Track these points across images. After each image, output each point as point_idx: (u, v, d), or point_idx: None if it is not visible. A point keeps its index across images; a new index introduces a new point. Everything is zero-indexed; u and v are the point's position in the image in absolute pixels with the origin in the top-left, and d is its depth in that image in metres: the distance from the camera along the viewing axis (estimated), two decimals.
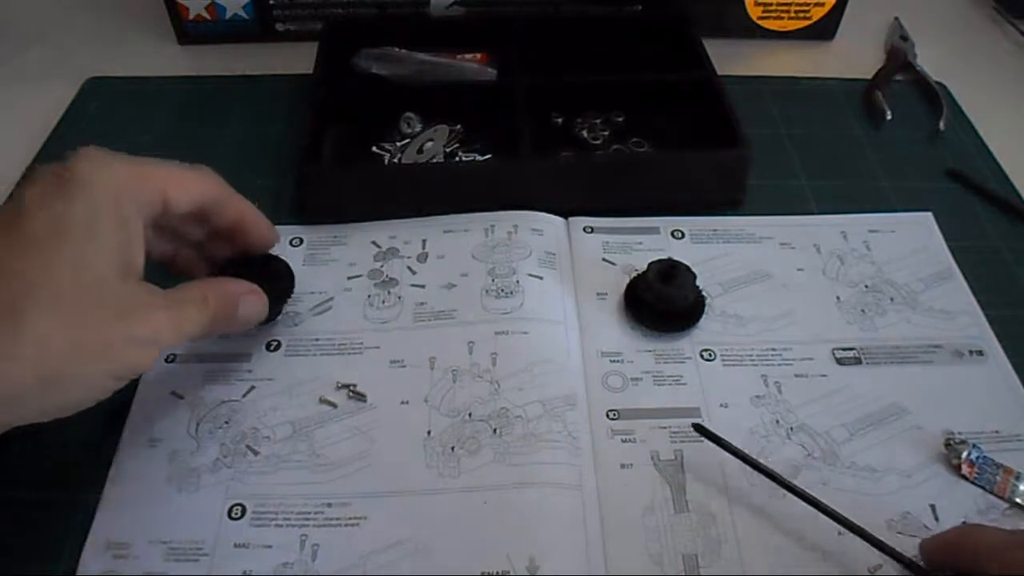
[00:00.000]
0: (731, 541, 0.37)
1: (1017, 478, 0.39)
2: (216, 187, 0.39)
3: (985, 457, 0.40)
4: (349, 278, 0.48)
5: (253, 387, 0.43)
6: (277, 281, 0.43)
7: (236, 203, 0.40)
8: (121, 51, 0.66)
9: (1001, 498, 0.39)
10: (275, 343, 0.45)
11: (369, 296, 0.47)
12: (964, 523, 0.38)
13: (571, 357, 0.44)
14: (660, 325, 0.46)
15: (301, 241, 0.50)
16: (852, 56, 0.68)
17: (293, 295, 0.45)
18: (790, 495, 0.37)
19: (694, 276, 0.45)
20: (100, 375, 0.32)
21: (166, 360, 0.43)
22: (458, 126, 0.57)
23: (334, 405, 0.42)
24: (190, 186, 0.37)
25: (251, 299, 0.40)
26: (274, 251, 0.44)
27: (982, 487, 0.39)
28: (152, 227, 0.36)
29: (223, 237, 0.42)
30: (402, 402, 0.42)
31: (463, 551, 0.36)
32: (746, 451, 0.38)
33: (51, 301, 0.30)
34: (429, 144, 0.56)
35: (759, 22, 0.68)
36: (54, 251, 0.31)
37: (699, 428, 0.40)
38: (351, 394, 0.42)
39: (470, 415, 0.41)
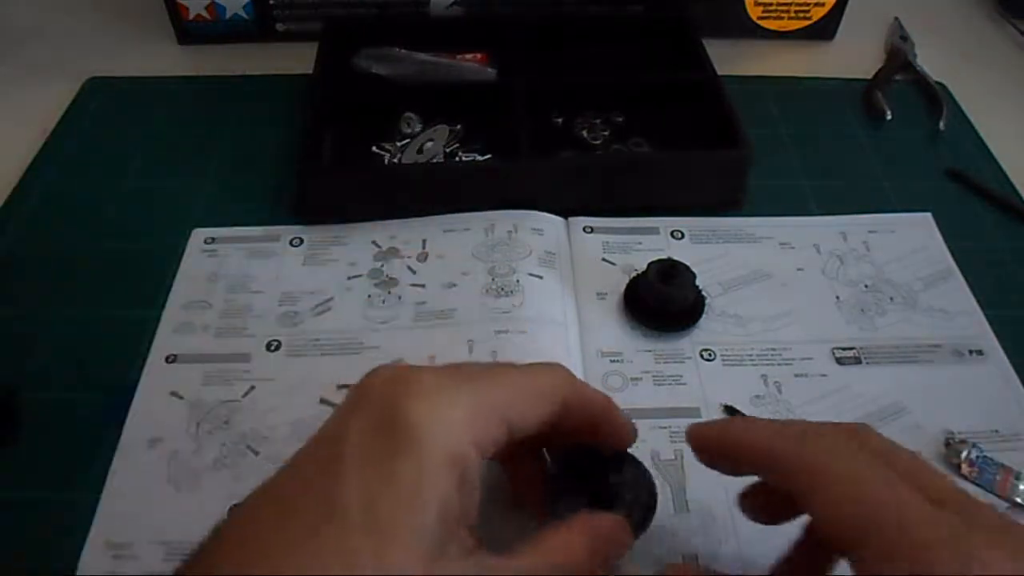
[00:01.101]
0: (731, 541, 0.37)
1: (1017, 477, 0.39)
2: (569, 390, 0.31)
3: (985, 457, 0.40)
4: (349, 278, 0.48)
5: (253, 387, 0.43)
6: (637, 495, 0.33)
7: (592, 403, 0.32)
8: (121, 51, 0.66)
9: (1001, 497, 0.39)
10: (275, 343, 0.44)
11: (369, 296, 0.47)
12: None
13: (571, 357, 0.44)
14: (660, 325, 0.46)
15: (301, 241, 0.50)
16: (852, 56, 0.68)
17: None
18: None
19: (694, 276, 0.45)
20: None
21: (166, 360, 0.44)
22: (458, 126, 0.57)
23: (334, 405, 0.42)
24: (538, 403, 0.30)
25: (621, 538, 0.31)
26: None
27: (982, 487, 0.39)
28: None
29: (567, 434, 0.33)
30: None
31: None
32: None
33: None
34: (429, 144, 0.56)
35: (759, 22, 0.68)
36: (369, 537, 0.25)
37: (729, 410, 0.41)
38: None
39: None
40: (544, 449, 0.35)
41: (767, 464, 0.30)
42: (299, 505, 0.26)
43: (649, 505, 0.33)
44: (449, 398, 0.28)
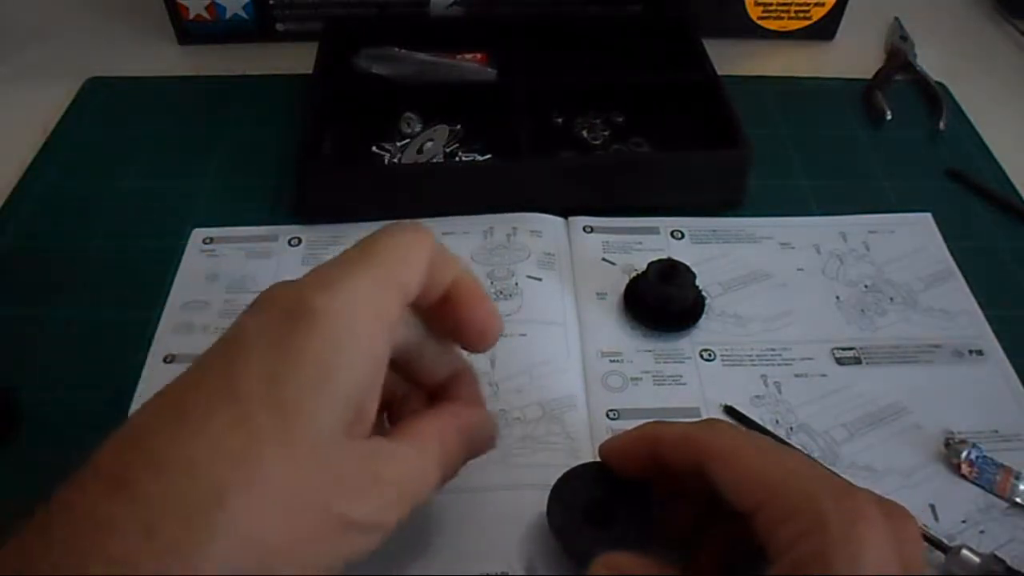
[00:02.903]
0: None
1: (1017, 477, 0.39)
2: (434, 244, 0.31)
3: (985, 457, 0.40)
4: None
5: None
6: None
7: (453, 264, 0.32)
8: (121, 51, 0.66)
9: (1001, 498, 0.39)
10: None
11: None
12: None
13: (570, 357, 0.44)
14: (660, 325, 0.46)
15: (300, 241, 0.50)
16: (852, 56, 0.68)
17: None
18: None
19: (694, 276, 0.45)
20: (312, 568, 0.26)
21: (164, 360, 0.43)
22: (458, 126, 0.57)
23: None
24: (415, 258, 0.30)
25: (487, 432, 0.35)
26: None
27: (982, 487, 0.39)
28: None
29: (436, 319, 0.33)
30: None
31: (462, 552, 0.36)
32: None
33: (262, 482, 0.24)
34: (429, 144, 0.56)
35: (759, 22, 0.68)
36: (271, 414, 0.25)
37: (730, 410, 0.41)
38: None
39: None
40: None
41: (680, 448, 0.31)
42: (200, 389, 0.26)
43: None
44: (349, 283, 0.27)
